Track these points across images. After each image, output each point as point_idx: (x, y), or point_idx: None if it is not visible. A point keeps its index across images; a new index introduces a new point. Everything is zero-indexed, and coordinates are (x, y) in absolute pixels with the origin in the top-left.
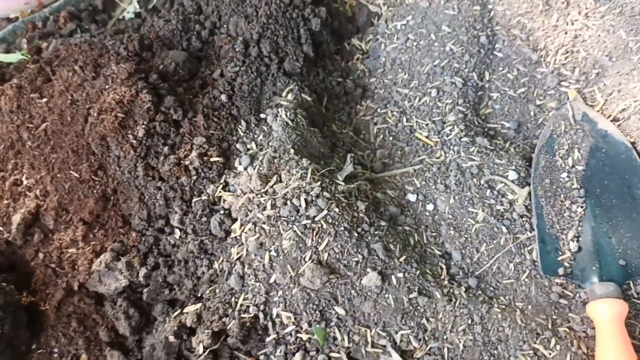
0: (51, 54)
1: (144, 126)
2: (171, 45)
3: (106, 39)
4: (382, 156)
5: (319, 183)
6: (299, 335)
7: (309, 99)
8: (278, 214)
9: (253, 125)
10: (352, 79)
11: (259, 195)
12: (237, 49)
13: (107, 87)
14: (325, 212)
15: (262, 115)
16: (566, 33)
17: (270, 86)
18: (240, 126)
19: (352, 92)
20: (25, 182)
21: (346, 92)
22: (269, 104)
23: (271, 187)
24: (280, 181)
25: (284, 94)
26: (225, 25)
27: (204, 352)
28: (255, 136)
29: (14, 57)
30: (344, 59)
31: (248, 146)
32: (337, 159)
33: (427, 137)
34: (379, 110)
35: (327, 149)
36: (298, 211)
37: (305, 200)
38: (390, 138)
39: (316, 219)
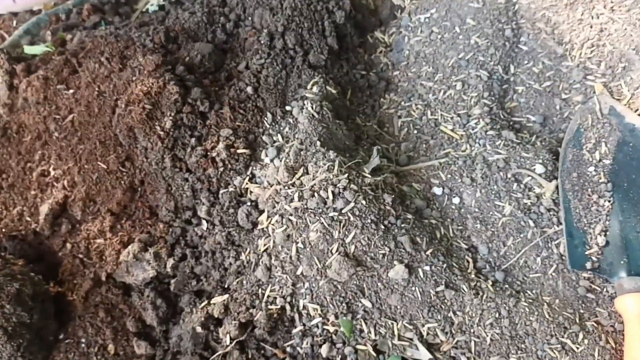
0: (76, 46)
1: (171, 118)
2: (196, 38)
3: (131, 31)
4: (407, 149)
5: (345, 175)
6: (325, 327)
7: (333, 91)
8: (305, 206)
9: (279, 118)
10: (376, 72)
11: (286, 187)
12: (262, 41)
13: (134, 78)
14: (352, 204)
15: (288, 108)
16: (591, 27)
17: (296, 78)
18: (266, 118)
19: (375, 85)
20: (52, 172)
21: (370, 85)
22: (294, 96)
23: (298, 179)
24: (307, 173)
25: (309, 87)
26: (250, 18)
27: (230, 342)
28: (281, 128)
29: (38, 49)
30: (368, 52)
31: (274, 138)
32: (362, 152)
33: (452, 130)
34: (403, 103)
35: (352, 141)
36: (325, 203)
37: (333, 192)
38: (415, 131)
39: (343, 211)
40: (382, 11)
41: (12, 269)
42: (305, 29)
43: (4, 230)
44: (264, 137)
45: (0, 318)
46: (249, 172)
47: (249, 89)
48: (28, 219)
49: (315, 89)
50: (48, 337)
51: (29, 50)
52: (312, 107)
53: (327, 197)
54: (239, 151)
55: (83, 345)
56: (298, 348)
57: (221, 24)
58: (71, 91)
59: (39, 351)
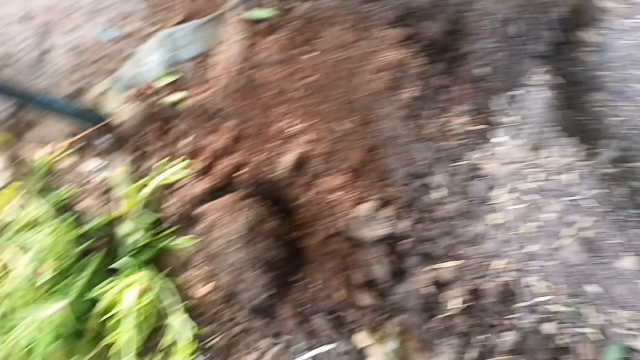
0: (310, 12)
1: (413, 89)
2: (428, 17)
3: (362, 5)
4: (625, 148)
5: (586, 162)
6: (551, 306)
7: (562, 80)
8: (543, 188)
9: (512, 99)
10: (584, 69)
11: (523, 167)
12: (493, 26)
13: (377, 49)
14: (592, 191)
15: (521, 91)
16: None
17: (526, 65)
18: (500, 99)
19: (586, 82)
20: (295, 127)
21: (579, 82)
22: (525, 82)
23: (537, 160)
24: (547, 156)
25: (538, 74)
26: (482, 2)
27: (456, 307)
28: (516, 110)
29: (267, 13)
30: (576, 50)
31: (509, 119)
32: (591, 143)
33: None
34: (612, 103)
35: (580, 131)
36: (564, 187)
37: (572, 177)
38: (636, 131)
39: (582, 196)
40: (588, 12)
41: (261, 211)
42: (534, 20)
43: (248, 175)
44: (499, 117)
45: (264, 250)
46: (484, 148)
47: (484, 69)
48: (270, 167)
49: (547, 77)
50: (284, 277)
51: (258, 14)
52: (546, 93)
53: (567, 181)
54: (474, 127)
55: (315, 288)
56: (522, 322)
57: (454, 5)
58: (312, 54)
59: (279, 286)
